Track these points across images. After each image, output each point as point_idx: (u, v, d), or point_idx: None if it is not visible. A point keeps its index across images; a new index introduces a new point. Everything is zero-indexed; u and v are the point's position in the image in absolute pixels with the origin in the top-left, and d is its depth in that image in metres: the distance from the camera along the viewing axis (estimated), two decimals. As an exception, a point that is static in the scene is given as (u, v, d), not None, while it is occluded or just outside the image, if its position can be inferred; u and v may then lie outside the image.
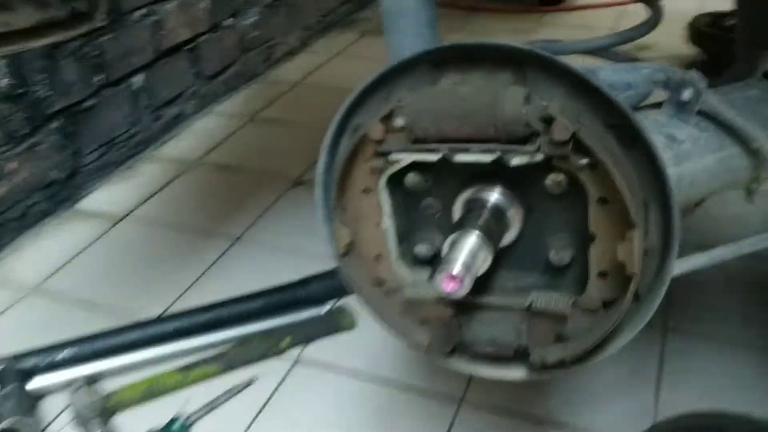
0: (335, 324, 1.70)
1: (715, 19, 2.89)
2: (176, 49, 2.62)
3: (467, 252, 0.75)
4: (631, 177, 0.75)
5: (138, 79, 2.46)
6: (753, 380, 1.56)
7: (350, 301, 1.80)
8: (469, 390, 1.56)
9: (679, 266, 0.80)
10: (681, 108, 0.83)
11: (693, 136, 0.87)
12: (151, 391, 1.52)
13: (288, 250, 2.03)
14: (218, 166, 2.49)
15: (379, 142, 0.80)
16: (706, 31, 2.86)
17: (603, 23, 3.63)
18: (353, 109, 0.86)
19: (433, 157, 0.78)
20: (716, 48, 2.76)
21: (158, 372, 1.58)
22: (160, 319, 1.73)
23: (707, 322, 1.71)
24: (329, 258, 1.93)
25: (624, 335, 0.83)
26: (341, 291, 1.80)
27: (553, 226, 0.84)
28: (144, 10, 2.44)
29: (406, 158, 0.81)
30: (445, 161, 0.79)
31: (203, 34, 2.75)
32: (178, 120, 2.69)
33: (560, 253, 0.84)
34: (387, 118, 0.80)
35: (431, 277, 0.74)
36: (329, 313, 1.74)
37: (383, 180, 0.84)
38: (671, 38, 2.89)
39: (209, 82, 2.83)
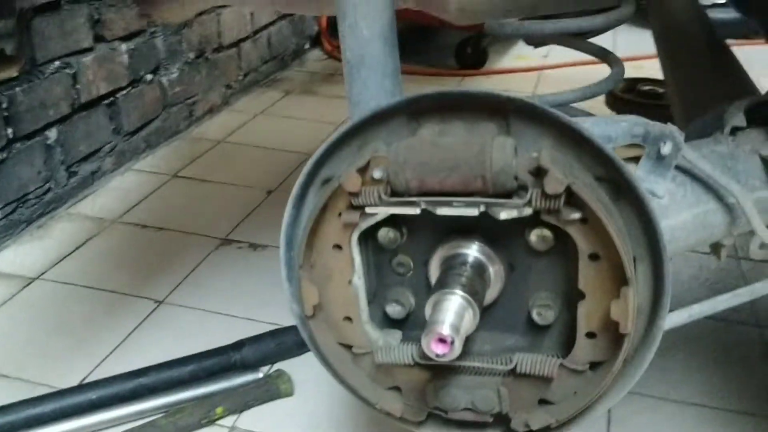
0: (273, 390, 1.60)
1: (631, 84, 3.00)
2: (94, 103, 2.51)
3: (453, 312, 0.70)
4: (623, 232, 0.72)
5: (52, 134, 2.33)
6: (696, 438, 1.57)
7: (287, 366, 1.71)
8: (416, 458, 1.49)
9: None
10: (659, 162, 0.82)
11: (670, 191, 0.85)
12: (72, 471, 1.38)
13: (217, 313, 1.92)
14: (138, 225, 2.36)
15: (355, 194, 0.74)
16: (622, 96, 2.96)
17: (523, 87, 3.73)
18: (323, 160, 0.80)
19: (414, 211, 0.73)
20: (632, 113, 2.85)
21: (78, 449, 1.44)
22: (79, 387, 1.59)
23: (650, 382, 1.71)
24: (262, 321, 1.86)
25: (611, 397, 0.79)
26: (277, 355, 1.71)
27: (536, 283, 0.80)
28: (59, 62, 2.33)
29: (383, 212, 0.75)
30: (424, 215, 0.73)
31: (123, 88, 2.64)
32: (95, 176, 2.56)
33: (544, 313, 0.79)
34: (363, 170, 0.74)
35: (424, 336, 0.68)
36: (266, 378, 1.64)
37: (356, 235, 0.78)
38: (593, 102, 2.97)
39: (129, 138, 2.72)
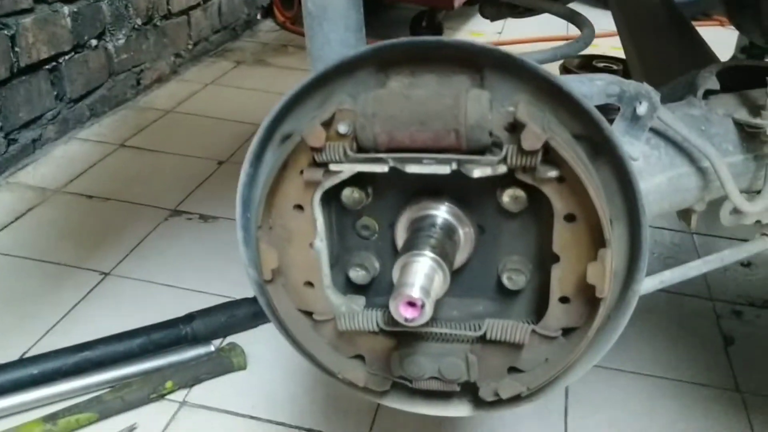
0: (225, 363, 1.55)
1: (587, 61, 3.00)
2: (35, 67, 2.39)
3: (424, 275, 0.66)
4: (601, 191, 0.69)
5: (-10, 98, 2.21)
6: (648, 405, 1.59)
7: (239, 339, 1.66)
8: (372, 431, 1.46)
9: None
10: (634, 123, 0.79)
11: (645, 154, 0.82)
12: (11, 448, 1.31)
13: (166, 285, 1.86)
14: (83, 195, 2.27)
15: (318, 150, 0.69)
16: (577, 72, 2.95)
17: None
18: (284, 115, 0.74)
19: (381, 169, 0.68)
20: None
21: (18, 423, 1.37)
22: (19, 362, 1.51)
23: (607, 355, 1.69)
24: (213, 293, 1.80)
25: (584, 365, 0.77)
26: (229, 328, 1.66)
27: (507, 247, 0.76)
28: (-4, 23, 2.21)
29: (349, 169, 0.70)
30: (392, 173, 0.69)
31: (66, 53, 2.53)
32: (36, 145, 2.45)
33: (515, 277, 0.76)
34: (327, 124, 0.69)
35: (392, 299, 0.64)
36: (217, 352, 1.58)
37: (318, 195, 0.73)
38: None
39: (72, 106, 2.60)
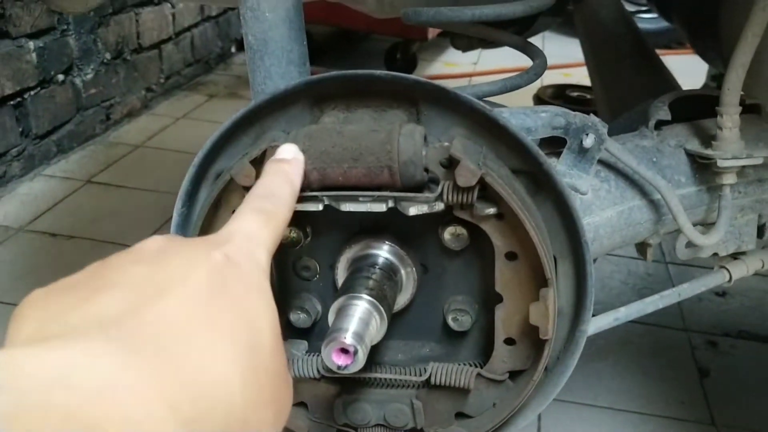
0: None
1: (559, 90, 3.00)
2: (-1, 103, 2.35)
3: (358, 319, 0.63)
4: (542, 228, 0.66)
5: (-48, 136, 2.17)
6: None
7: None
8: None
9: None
10: (581, 156, 0.76)
11: (594, 187, 0.80)
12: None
13: (128, 325, 1.81)
14: (46, 234, 2.22)
15: (249, 188, 0.66)
16: (549, 102, 2.95)
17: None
18: (216, 152, 0.72)
19: (315, 207, 0.66)
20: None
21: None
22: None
23: (579, 389, 1.68)
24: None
25: (533, 409, 0.74)
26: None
27: (451, 287, 0.73)
28: (-41, 59, 2.17)
29: (282, 209, 0.67)
30: (328, 212, 0.66)
31: (31, 88, 2.49)
32: (0, 182, 2.40)
33: (460, 318, 0.73)
34: (259, 162, 0.67)
35: (324, 345, 0.60)
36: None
37: (253, 235, 0.70)
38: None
39: (38, 142, 2.57)
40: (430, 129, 0.66)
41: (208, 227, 0.70)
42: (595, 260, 0.93)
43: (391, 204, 0.64)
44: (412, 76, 0.65)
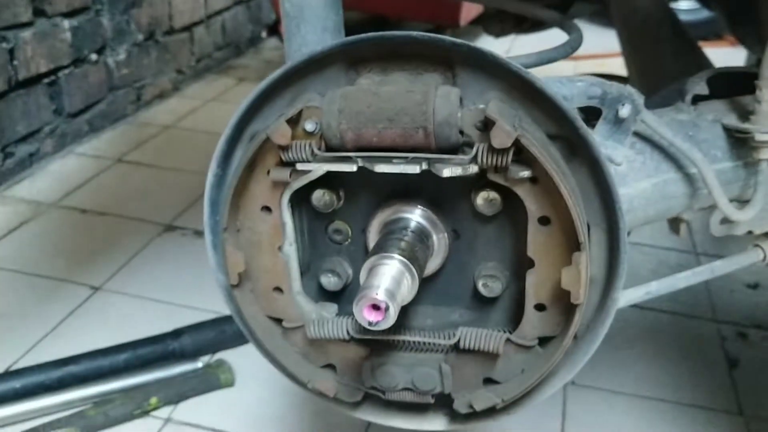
0: (211, 380, 1.51)
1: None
2: (33, 81, 2.38)
3: (390, 277, 0.63)
4: (576, 192, 0.66)
5: (-13, 112, 2.21)
6: (648, 429, 1.54)
7: (228, 355, 1.63)
8: (361, 452, 1.42)
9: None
10: (617, 126, 0.76)
11: (629, 158, 0.79)
12: (-13, 463, 1.28)
13: (157, 300, 1.83)
14: (77, 210, 2.25)
15: (285, 148, 0.67)
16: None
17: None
18: (252, 113, 0.72)
19: (349, 168, 0.66)
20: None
21: (-3, 439, 1.35)
22: (2, 375, 1.48)
23: (606, 376, 1.67)
24: (204, 309, 1.77)
25: (561, 377, 0.73)
26: (218, 344, 1.63)
27: (482, 252, 0.73)
28: (-6, 35, 2.20)
29: (317, 169, 0.68)
30: (363, 173, 0.66)
31: (65, 67, 2.52)
32: (33, 159, 2.44)
33: (490, 284, 0.73)
34: (294, 122, 0.67)
35: (356, 302, 0.61)
36: (205, 368, 1.55)
37: (287, 196, 0.71)
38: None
39: (71, 120, 2.60)
40: (465, 92, 0.66)
41: (242, 187, 0.71)
42: (628, 233, 0.92)
43: (425, 166, 0.64)
44: (449, 38, 0.65)
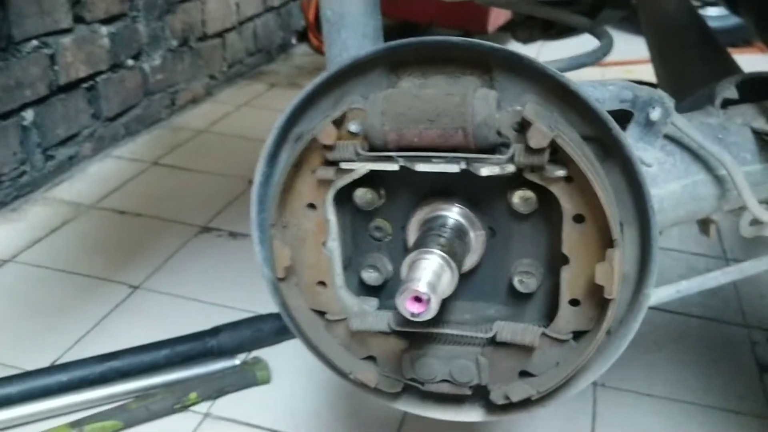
0: (248, 377, 1.56)
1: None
2: (73, 86, 2.45)
3: (431, 271, 0.66)
4: (609, 191, 0.68)
5: (29, 115, 2.27)
6: (677, 431, 1.55)
7: (264, 353, 1.67)
8: (394, 448, 1.45)
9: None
10: (648, 128, 0.78)
11: (659, 160, 0.82)
12: (35, 451, 1.33)
13: (193, 299, 1.88)
14: (115, 211, 2.31)
15: (330, 148, 0.70)
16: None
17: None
18: (298, 115, 0.76)
19: (392, 167, 0.69)
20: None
21: (45, 428, 1.39)
22: (48, 369, 1.54)
23: (635, 378, 1.68)
24: (240, 308, 1.81)
25: (594, 370, 0.76)
26: (255, 342, 1.67)
27: (518, 250, 0.76)
28: (37, 42, 2.27)
29: (360, 168, 0.71)
30: (403, 172, 0.70)
31: (103, 72, 2.59)
32: (72, 161, 2.51)
33: (526, 280, 0.76)
34: (339, 123, 0.71)
35: (398, 294, 0.64)
36: (242, 365, 1.59)
37: (331, 194, 0.74)
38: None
39: (108, 124, 2.66)
40: (502, 95, 0.69)
41: (288, 185, 0.74)
42: (659, 234, 0.95)
43: (463, 165, 0.68)
44: (487, 43, 0.68)
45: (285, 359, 1.66)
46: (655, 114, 0.78)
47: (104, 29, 2.56)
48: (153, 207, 2.33)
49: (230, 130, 3.03)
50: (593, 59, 0.94)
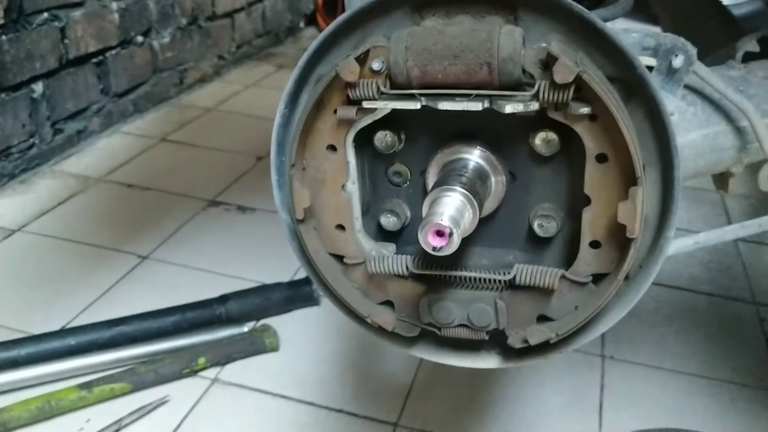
0: (257, 344, 1.56)
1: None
2: (82, 60, 2.45)
3: (453, 207, 0.66)
4: (633, 130, 0.68)
5: (38, 87, 2.27)
6: (686, 403, 1.56)
7: (272, 322, 1.67)
8: (403, 415, 1.45)
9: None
10: (670, 76, 0.78)
11: (680, 109, 0.82)
12: (46, 409, 1.33)
13: (201, 270, 1.88)
14: (123, 184, 2.31)
15: (352, 86, 0.70)
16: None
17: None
18: (320, 54, 0.75)
19: (414, 106, 0.69)
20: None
21: (55, 390, 1.39)
22: (57, 333, 1.54)
23: (643, 352, 1.68)
24: (247, 278, 1.82)
25: (612, 315, 0.75)
26: (262, 310, 1.67)
27: (539, 194, 0.76)
28: (47, 14, 2.26)
29: (382, 106, 0.70)
30: (424, 114, 0.69)
31: (112, 48, 2.59)
32: (81, 136, 2.51)
33: (546, 224, 0.75)
34: (362, 62, 0.70)
35: (421, 229, 0.63)
36: (251, 332, 1.59)
37: (351, 135, 0.74)
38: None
39: (117, 100, 2.66)
40: (528, 34, 0.69)
41: (309, 126, 0.74)
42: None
43: (487, 103, 0.67)
44: (511, -20, 0.68)
45: (293, 328, 1.67)
46: (678, 61, 0.77)
47: (114, 4, 2.56)
48: (161, 181, 2.33)
49: (238, 108, 3.03)
50: (613, 15, 0.93)
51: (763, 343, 1.75)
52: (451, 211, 0.65)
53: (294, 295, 1.69)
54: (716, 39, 1.60)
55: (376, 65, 0.70)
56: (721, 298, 1.92)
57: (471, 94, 0.67)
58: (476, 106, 0.67)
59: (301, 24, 4.19)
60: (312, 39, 3.42)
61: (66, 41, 2.35)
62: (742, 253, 2.13)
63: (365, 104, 0.70)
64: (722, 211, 2.37)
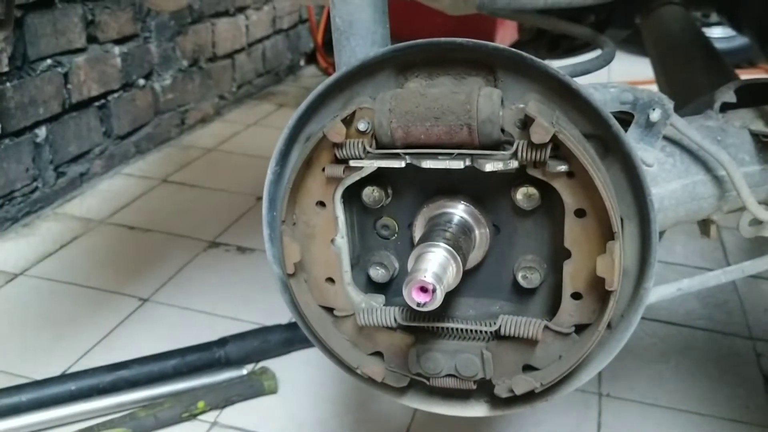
0: (256, 387, 1.57)
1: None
2: (85, 104, 2.49)
3: (437, 263, 0.68)
4: (609, 186, 0.71)
5: (42, 132, 2.31)
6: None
7: (271, 364, 1.68)
8: (401, 456, 1.46)
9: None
10: (648, 129, 0.81)
11: (659, 160, 0.84)
12: (46, 457, 1.34)
13: (202, 312, 1.90)
14: (125, 226, 2.34)
15: (339, 146, 0.73)
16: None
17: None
18: (308, 114, 0.78)
19: (398, 164, 0.72)
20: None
21: (54, 437, 1.41)
22: (58, 378, 1.56)
23: (640, 389, 1.69)
24: (247, 320, 1.83)
25: (595, 364, 0.77)
26: (262, 352, 1.68)
27: (522, 246, 0.78)
28: (51, 61, 2.32)
29: (368, 165, 0.73)
30: (410, 171, 0.72)
31: (115, 91, 2.64)
32: (83, 178, 2.54)
33: (529, 276, 0.78)
34: (348, 122, 0.73)
35: (405, 285, 0.66)
36: (249, 375, 1.61)
37: (340, 192, 0.77)
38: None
39: (119, 142, 2.70)
40: (506, 94, 0.72)
41: (299, 183, 0.77)
42: (660, 235, 0.97)
43: (468, 161, 0.70)
44: (491, 43, 0.71)
45: (292, 370, 1.68)
46: (655, 115, 0.80)
47: (117, 49, 2.61)
48: (162, 223, 2.36)
49: (239, 148, 3.07)
50: (596, 66, 0.96)
51: (759, 379, 1.76)
52: (435, 267, 0.67)
53: (292, 337, 1.70)
54: (701, 70, 1.64)
55: (362, 126, 0.73)
56: (717, 334, 1.93)
57: (453, 153, 0.70)
58: (458, 164, 0.70)
59: (302, 62, 4.25)
60: (312, 77, 3.49)
61: (69, 86, 2.40)
62: (739, 288, 2.15)
63: (352, 163, 0.73)
64: (719, 245, 2.39)
